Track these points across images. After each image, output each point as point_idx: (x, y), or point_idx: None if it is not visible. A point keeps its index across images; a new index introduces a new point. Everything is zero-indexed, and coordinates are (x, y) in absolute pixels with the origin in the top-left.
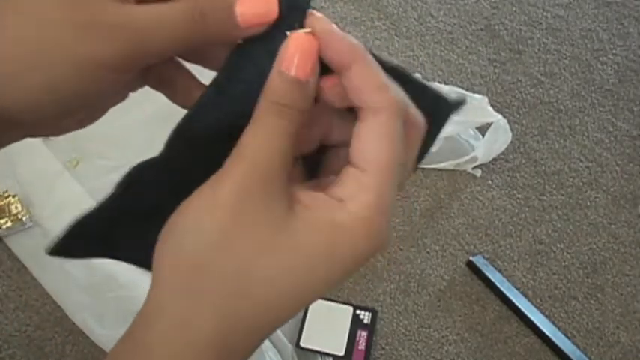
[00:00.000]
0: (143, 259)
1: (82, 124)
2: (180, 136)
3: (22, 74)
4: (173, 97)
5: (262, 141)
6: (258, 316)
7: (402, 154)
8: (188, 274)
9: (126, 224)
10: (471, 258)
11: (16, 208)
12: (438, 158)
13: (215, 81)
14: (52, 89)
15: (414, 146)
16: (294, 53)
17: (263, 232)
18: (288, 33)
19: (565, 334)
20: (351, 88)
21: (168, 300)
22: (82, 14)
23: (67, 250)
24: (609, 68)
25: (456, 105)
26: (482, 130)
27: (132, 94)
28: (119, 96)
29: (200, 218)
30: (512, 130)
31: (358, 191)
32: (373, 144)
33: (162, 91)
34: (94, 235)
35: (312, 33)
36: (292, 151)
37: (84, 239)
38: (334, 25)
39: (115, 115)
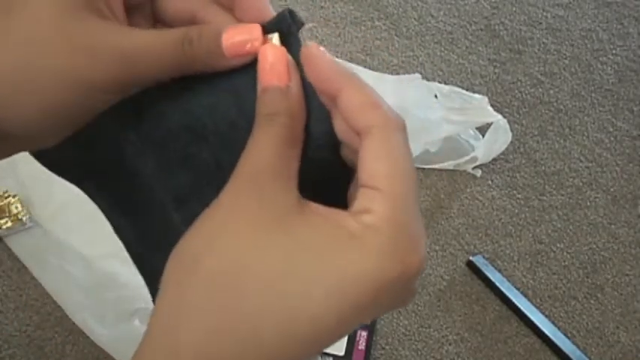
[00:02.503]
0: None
1: (70, 133)
2: (126, 102)
3: (17, 95)
4: None
5: (253, 149)
6: (248, 316)
7: (408, 166)
8: (178, 279)
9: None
10: (471, 258)
11: (16, 208)
12: (438, 158)
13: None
14: (45, 110)
15: None
16: (265, 65)
17: (256, 231)
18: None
19: (565, 334)
20: (344, 113)
21: (156, 311)
22: (79, 39)
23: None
24: (609, 68)
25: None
26: (483, 130)
27: None
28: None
29: (194, 225)
30: (512, 130)
31: (371, 204)
32: (374, 163)
33: None
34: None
35: (281, 42)
36: (293, 151)
37: (59, 159)
38: (323, 52)
39: None
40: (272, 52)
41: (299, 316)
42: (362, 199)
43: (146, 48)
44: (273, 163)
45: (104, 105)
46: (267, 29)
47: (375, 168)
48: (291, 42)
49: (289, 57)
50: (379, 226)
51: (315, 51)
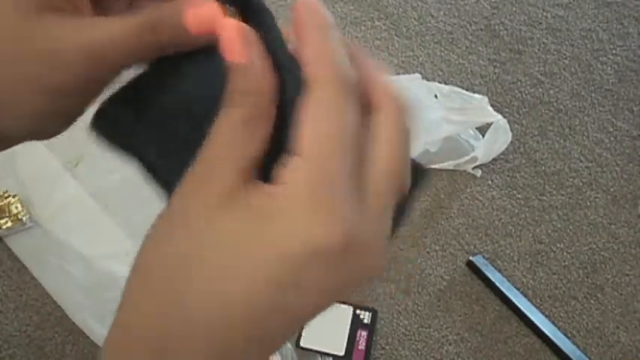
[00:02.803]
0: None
1: (62, 130)
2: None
3: (9, 91)
4: None
5: (213, 132)
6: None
7: (345, 137)
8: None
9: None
10: (471, 258)
11: (16, 208)
12: (438, 158)
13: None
14: (28, 118)
15: (394, 139)
16: (224, 41)
17: (195, 219)
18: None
19: (565, 334)
20: (303, 67)
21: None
22: (33, 44)
23: (103, 125)
24: (609, 68)
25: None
26: (483, 130)
27: None
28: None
29: (162, 213)
30: (512, 130)
31: (285, 172)
32: (306, 126)
33: None
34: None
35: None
36: (258, 129)
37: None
38: (307, 3)
39: None
40: (228, 27)
41: (231, 300)
42: (281, 166)
43: (109, 40)
44: (228, 148)
45: (82, 103)
46: (225, 2)
47: (304, 133)
48: (256, 13)
49: (248, 30)
50: (287, 196)
51: (300, 5)
